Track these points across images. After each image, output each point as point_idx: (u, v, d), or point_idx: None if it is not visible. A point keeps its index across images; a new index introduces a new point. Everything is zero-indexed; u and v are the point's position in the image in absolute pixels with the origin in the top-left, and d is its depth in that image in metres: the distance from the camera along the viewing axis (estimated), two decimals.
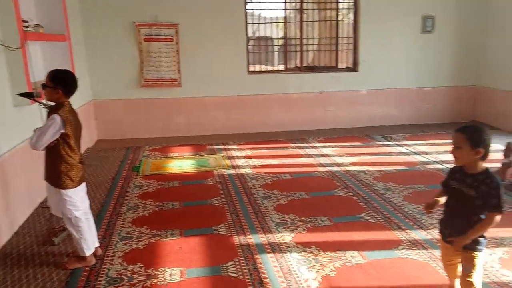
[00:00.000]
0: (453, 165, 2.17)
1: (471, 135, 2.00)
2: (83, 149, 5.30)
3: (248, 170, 4.98)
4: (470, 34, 7.18)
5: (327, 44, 7.22)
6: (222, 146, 6.15)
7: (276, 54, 7.60)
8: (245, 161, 5.39)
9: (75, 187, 2.74)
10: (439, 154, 5.45)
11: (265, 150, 5.92)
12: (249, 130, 6.98)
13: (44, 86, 2.62)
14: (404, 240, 3.17)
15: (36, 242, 3.23)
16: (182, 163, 5.30)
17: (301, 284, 2.60)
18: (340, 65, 7.28)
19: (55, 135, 2.57)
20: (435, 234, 3.22)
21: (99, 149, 6.01)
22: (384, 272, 2.72)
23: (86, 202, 2.92)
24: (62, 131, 2.58)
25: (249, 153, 5.78)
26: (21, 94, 2.89)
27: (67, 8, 4.93)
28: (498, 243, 3.09)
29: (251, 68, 7.06)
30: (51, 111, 2.62)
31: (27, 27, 3.66)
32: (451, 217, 2.16)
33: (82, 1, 6.08)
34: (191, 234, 3.32)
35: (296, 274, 2.72)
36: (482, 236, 2.08)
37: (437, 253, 2.91)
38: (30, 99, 2.92)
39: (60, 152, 2.65)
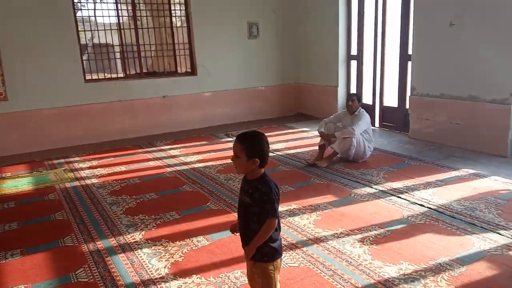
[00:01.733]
0: None
1: (247, 145, 1.97)
2: None
3: (94, 180, 4.91)
4: (290, 38, 8.32)
5: (165, 50, 7.47)
6: (62, 160, 5.86)
7: (117, 61, 7.51)
8: (90, 171, 5.28)
9: None
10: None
11: (112, 159, 5.87)
12: (92, 140, 6.78)
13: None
14: None
15: None
16: (17, 183, 4.91)
17: (152, 274, 2.82)
18: (179, 70, 7.61)
19: None
20: None
21: None
22: (226, 248, 3.13)
23: None
24: None
25: (94, 163, 5.66)
26: None
27: None
28: (313, 208, 3.82)
29: (88, 77, 6.85)
30: None
31: None
32: (240, 228, 2.11)
33: None
34: (34, 251, 3.20)
35: (147, 266, 2.92)
36: (270, 246, 2.02)
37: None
38: None
39: None
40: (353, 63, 7.53)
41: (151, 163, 5.58)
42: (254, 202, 1.99)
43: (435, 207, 3.71)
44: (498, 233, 3.17)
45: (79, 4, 6.65)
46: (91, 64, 7.11)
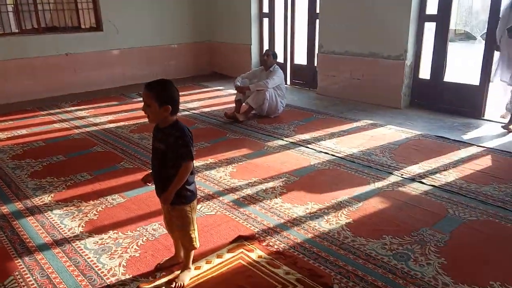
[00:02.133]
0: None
1: (157, 92, 1.98)
2: None
3: None
4: None
5: (65, 2, 6.83)
6: None
7: (10, 14, 6.68)
8: None
9: None
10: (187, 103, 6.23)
11: (10, 122, 5.39)
12: None
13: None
14: None
15: None
16: None
17: (66, 233, 2.75)
18: (83, 25, 7.06)
19: None
20: None
21: None
22: (142, 204, 3.14)
23: None
24: None
25: None
26: None
27: None
28: (229, 162, 3.96)
29: None
30: None
31: None
32: (155, 175, 2.14)
33: None
34: None
35: (60, 226, 2.84)
36: (187, 189, 2.10)
37: None
38: None
39: None
40: (266, 21, 7.63)
41: (56, 125, 5.24)
42: (169, 148, 2.02)
43: (338, 154, 4.07)
44: (390, 173, 3.61)
45: None
46: None
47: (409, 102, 5.72)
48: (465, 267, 2.34)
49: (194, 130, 4.87)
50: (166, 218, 2.28)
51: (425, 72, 5.62)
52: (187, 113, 5.72)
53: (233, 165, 3.89)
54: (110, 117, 5.56)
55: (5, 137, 4.80)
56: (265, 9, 7.55)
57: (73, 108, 6.04)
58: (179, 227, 2.19)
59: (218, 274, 2.33)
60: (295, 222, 2.85)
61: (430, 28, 5.49)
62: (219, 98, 6.57)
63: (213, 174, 3.67)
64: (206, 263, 2.42)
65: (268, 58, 5.31)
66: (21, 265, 2.42)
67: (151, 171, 2.23)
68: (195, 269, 2.34)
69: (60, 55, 6.70)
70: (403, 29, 5.39)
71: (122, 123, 5.28)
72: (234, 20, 7.88)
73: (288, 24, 7.13)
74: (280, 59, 7.36)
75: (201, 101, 6.35)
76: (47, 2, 6.64)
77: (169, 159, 2.04)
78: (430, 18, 5.39)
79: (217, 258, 2.47)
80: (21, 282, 2.27)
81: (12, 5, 6.45)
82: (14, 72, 6.32)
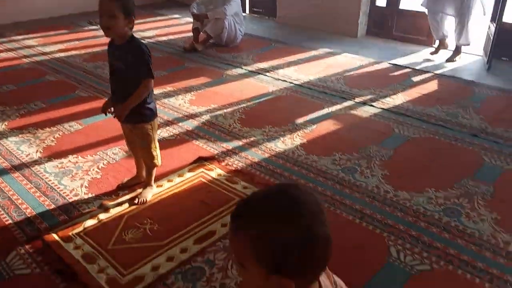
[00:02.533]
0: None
1: (124, 3, 1.89)
2: None
3: None
4: None
5: None
6: None
7: None
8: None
9: None
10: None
11: None
12: None
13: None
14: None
15: None
16: None
17: (24, 159, 2.75)
18: None
19: None
20: None
21: None
22: (101, 130, 3.14)
23: None
24: None
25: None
26: None
27: None
28: (188, 90, 3.97)
29: None
30: None
31: None
32: (116, 95, 2.13)
33: None
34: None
35: (17, 152, 2.82)
36: (146, 107, 2.12)
37: None
38: None
39: None
40: None
41: (3, 55, 4.94)
42: (128, 67, 2.02)
43: (296, 81, 4.16)
44: (343, 98, 3.77)
45: None
46: None
47: (366, 31, 5.80)
48: (404, 177, 2.59)
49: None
50: (128, 138, 2.33)
51: (382, 0, 5.67)
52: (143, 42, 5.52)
53: (191, 93, 3.90)
54: (61, 46, 5.28)
55: None
56: None
57: (19, 37, 5.65)
58: (141, 145, 2.25)
59: (180, 191, 2.45)
60: (253, 143, 2.98)
61: None
62: (175, 26, 6.34)
63: (172, 102, 3.69)
64: (167, 182, 2.53)
65: None
66: None
67: (108, 98, 2.22)
68: (157, 187, 2.45)
69: None
70: None
71: (73, 52, 5.05)
72: None
73: None
74: None
75: (156, 30, 6.11)
76: None
77: (130, 79, 2.04)
78: None
79: (178, 177, 2.58)
80: None
81: None
82: None
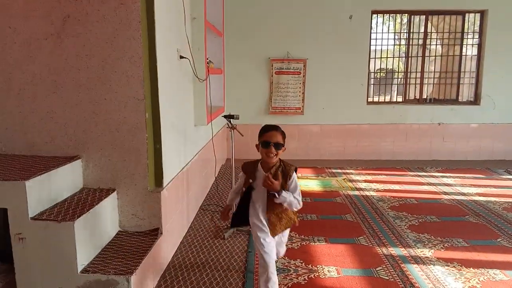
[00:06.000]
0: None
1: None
2: (219, 167, 6.21)
3: (372, 193, 5.36)
4: None
5: (449, 77, 7.38)
6: (340, 170, 6.60)
7: (399, 86, 7.90)
8: (367, 184, 5.77)
9: None
10: None
11: (384, 176, 6.23)
12: (364, 157, 7.35)
13: (278, 145, 2.53)
14: None
15: (209, 235, 3.97)
16: (307, 183, 5.86)
17: None
18: (460, 98, 7.37)
19: None
20: None
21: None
22: None
23: None
24: None
25: (369, 178, 6.15)
26: (225, 116, 3.71)
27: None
28: None
29: (370, 99, 7.49)
30: (288, 171, 2.60)
31: (208, 63, 4.56)
32: None
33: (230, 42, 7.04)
34: (335, 242, 3.80)
35: (444, 282, 3.03)
36: None
37: None
38: (229, 120, 3.74)
39: None
40: None
41: (425, 187, 5.63)
42: None
43: None
44: None
45: (374, 40, 7.31)
46: (374, 87, 7.74)
47: None
48: None
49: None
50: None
51: None
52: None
53: None
54: (478, 190, 5.46)
55: (382, 188, 5.59)
56: None
57: (438, 174, 6.33)
58: None
59: None
60: None
61: None
62: None
63: None
64: None
65: None
66: None
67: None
68: None
69: (432, 124, 7.23)
70: None
71: (492, 198, 5.08)
72: None
73: None
74: None
75: None
76: (433, 77, 7.38)
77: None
78: None
79: None
80: None
81: (403, 78, 7.54)
82: (389, 134, 7.32)
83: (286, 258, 3.44)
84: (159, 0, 3.08)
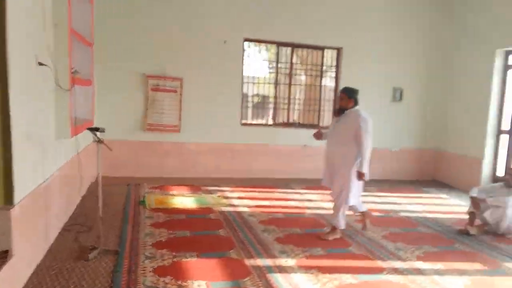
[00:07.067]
0: None
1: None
2: (86, 184, 5.76)
3: (244, 209, 5.58)
4: (432, 104, 8.40)
5: (311, 105, 8.19)
6: (215, 188, 6.73)
7: (270, 110, 8.44)
8: (240, 201, 5.99)
9: None
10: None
11: (256, 193, 6.55)
12: (237, 175, 7.62)
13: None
14: (387, 267, 3.84)
15: (71, 257, 3.64)
16: (182, 200, 5.83)
17: None
18: (321, 123, 8.22)
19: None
20: (413, 264, 3.92)
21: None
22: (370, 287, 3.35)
23: None
24: None
25: (242, 194, 6.39)
26: (89, 129, 3.47)
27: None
28: (461, 272, 3.81)
29: (244, 121, 7.86)
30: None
31: (73, 73, 4.27)
32: None
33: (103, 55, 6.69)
34: (207, 257, 3.84)
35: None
36: None
37: (415, 278, 3.60)
38: (95, 133, 3.52)
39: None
40: (504, 137, 7.22)
41: (291, 203, 6.08)
42: None
43: None
44: None
45: (249, 66, 7.79)
46: (248, 110, 8.15)
47: None
48: None
49: (416, 233, 4.92)
50: None
51: None
52: (408, 214, 5.79)
53: (466, 276, 3.73)
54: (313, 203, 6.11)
55: (253, 204, 5.87)
56: (505, 127, 7.19)
57: (302, 191, 6.91)
58: None
59: None
60: None
61: None
62: (443, 206, 6.40)
63: (446, 282, 3.60)
64: None
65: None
66: None
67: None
68: None
69: (298, 145, 7.90)
70: None
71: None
72: (468, 133, 7.75)
73: None
74: None
75: (423, 206, 6.31)
76: (298, 103, 8.10)
77: None
78: None
79: None
80: None
81: (273, 103, 8.12)
82: (258, 154, 7.77)
83: (156, 275, 3.35)
84: (14, 3, 2.82)
